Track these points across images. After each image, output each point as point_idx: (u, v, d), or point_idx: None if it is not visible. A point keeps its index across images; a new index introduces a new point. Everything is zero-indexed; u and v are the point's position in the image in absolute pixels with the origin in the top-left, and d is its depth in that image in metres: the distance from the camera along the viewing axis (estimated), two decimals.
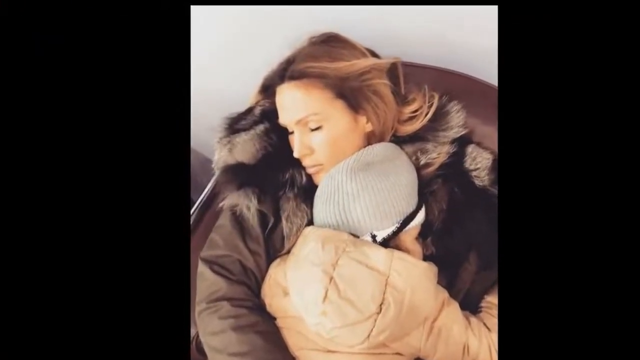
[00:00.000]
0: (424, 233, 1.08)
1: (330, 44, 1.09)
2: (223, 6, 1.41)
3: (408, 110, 1.13)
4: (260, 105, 1.17)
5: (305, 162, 1.10)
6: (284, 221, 1.07)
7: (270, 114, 1.14)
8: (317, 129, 1.06)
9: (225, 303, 1.03)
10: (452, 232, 1.08)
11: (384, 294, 0.91)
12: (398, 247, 1.01)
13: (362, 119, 1.09)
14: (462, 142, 1.15)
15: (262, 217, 1.10)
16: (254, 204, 1.08)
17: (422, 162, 1.11)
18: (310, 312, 0.95)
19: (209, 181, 1.40)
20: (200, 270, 1.10)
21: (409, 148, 1.12)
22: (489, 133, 1.18)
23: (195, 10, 1.24)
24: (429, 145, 1.12)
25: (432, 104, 1.14)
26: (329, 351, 0.98)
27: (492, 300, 1.09)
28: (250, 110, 1.18)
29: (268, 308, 1.07)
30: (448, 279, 1.07)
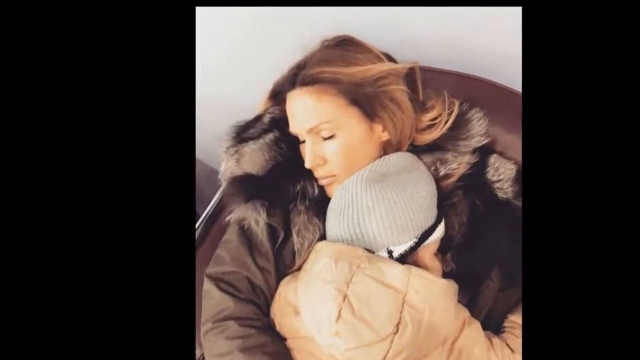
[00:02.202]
0: (443, 248, 1.07)
1: (344, 47, 1.09)
2: (230, 7, 1.42)
3: (426, 117, 1.13)
4: (269, 113, 1.18)
5: (318, 173, 1.10)
6: (294, 236, 1.07)
7: (280, 122, 1.15)
8: (330, 137, 1.06)
9: (232, 323, 1.03)
10: (473, 247, 1.08)
11: (401, 313, 0.91)
12: (416, 264, 1.00)
13: (378, 127, 1.10)
14: (484, 152, 1.15)
15: (272, 232, 1.10)
16: (262, 217, 1.08)
17: (441, 173, 1.11)
18: (322, 333, 0.94)
19: (215, 193, 1.40)
20: (206, 288, 1.10)
21: (428, 158, 1.12)
22: (513, 142, 1.18)
23: (201, 12, 1.24)
24: (449, 155, 1.12)
25: (452, 111, 1.14)
26: None
27: (515, 319, 1.08)
28: (259, 118, 1.18)
29: (278, 328, 1.07)
30: (469, 297, 1.07)
